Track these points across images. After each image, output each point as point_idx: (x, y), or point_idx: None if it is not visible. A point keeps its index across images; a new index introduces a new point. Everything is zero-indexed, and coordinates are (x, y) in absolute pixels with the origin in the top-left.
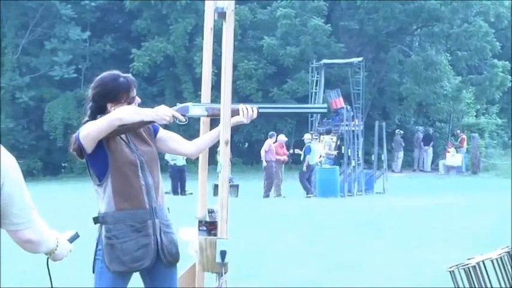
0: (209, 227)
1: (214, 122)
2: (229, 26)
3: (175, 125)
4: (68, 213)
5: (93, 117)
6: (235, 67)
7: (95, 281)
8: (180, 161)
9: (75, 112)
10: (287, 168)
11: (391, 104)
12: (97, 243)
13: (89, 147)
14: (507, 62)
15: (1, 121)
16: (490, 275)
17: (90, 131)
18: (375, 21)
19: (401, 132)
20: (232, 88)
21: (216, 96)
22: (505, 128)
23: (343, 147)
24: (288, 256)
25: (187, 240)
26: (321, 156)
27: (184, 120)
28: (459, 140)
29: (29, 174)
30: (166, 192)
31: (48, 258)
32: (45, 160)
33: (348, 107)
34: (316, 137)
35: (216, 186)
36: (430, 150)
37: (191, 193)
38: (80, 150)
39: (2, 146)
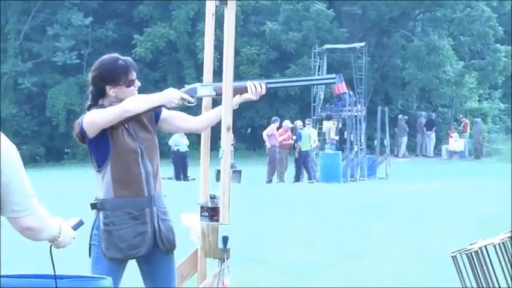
0: (211, 212)
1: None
2: (231, 11)
3: (181, 108)
4: (71, 199)
5: (95, 101)
6: (237, 52)
7: (91, 266)
8: (183, 147)
9: (77, 98)
10: (292, 154)
11: (393, 89)
12: (92, 228)
13: (91, 133)
14: (510, 47)
15: (4, 107)
16: (492, 260)
17: (96, 120)
18: (378, 6)
19: (405, 117)
20: (234, 73)
21: (218, 82)
22: (507, 113)
23: (345, 133)
24: (290, 241)
25: (190, 226)
26: (314, 142)
27: (194, 101)
28: (462, 124)
29: (32, 160)
30: (169, 178)
31: (51, 246)
32: (48, 146)
33: (351, 92)
34: (310, 123)
35: (218, 172)
36: (432, 135)
37: (193, 179)
38: (82, 135)
39: (1, 133)
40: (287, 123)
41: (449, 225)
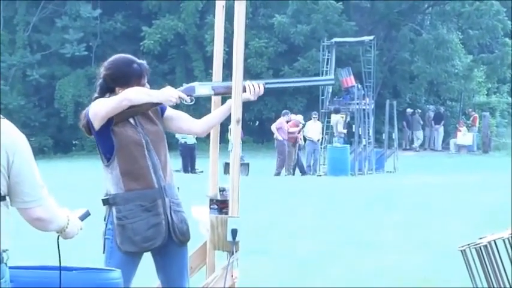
0: (220, 205)
1: (225, 100)
2: (241, 4)
3: (185, 104)
4: (79, 190)
5: (102, 94)
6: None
7: (105, 259)
8: (191, 139)
9: (85, 90)
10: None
11: (402, 82)
12: (106, 223)
13: (96, 124)
14: None
15: (13, 99)
16: (501, 254)
17: (98, 111)
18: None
19: (419, 111)
20: (243, 66)
21: (227, 75)
22: None
23: (353, 126)
24: (299, 233)
25: (199, 218)
26: (320, 135)
27: (190, 101)
28: (471, 118)
29: (40, 151)
30: (176, 171)
31: (58, 236)
32: (56, 138)
33: (359, 86)
34: (316, 116)
35: (226, 165)
36: (441, 129)
37: (201, 171)
38: (89, 127)
39: (12, 124)
40: (297, 117)
41: (457, 219)
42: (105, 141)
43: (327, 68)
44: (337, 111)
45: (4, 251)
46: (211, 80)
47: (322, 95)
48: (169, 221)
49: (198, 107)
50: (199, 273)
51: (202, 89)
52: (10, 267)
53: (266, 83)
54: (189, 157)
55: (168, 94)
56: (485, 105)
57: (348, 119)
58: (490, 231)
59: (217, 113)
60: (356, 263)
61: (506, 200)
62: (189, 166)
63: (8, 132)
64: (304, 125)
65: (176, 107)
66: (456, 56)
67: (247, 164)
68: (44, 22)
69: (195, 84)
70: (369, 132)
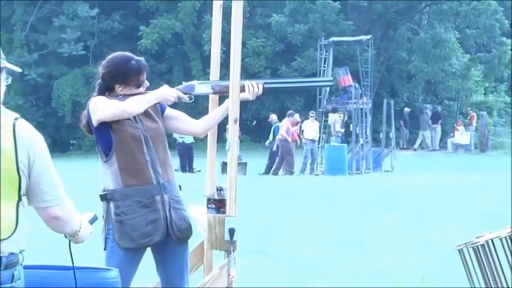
0: (218, 204)
1: (223, 98)
2: (239, 4)
3: (183, 102)
4: (77, 190)
5: (101, 94)
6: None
7: (106, 258)
8: (189, 139)
9: (83, 89)
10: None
11: (399, 82)
12: (106, 222)
13: (94, 121)
14: None
15: (10, 98)
16: (499, 253)
17: (96, 111)
18: None
19: (428, 111)
20: (240, 66)
21: (224, 74)
22: None
23: (351, 125)
24: (296, 233)
25: (196, 218)
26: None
27: (189, 99)
28: (469, 117)
29: None
30: (174, 170)
31: (70, 242)
32: (54, 137)
33: (357, 85)
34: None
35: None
36: (438, 128)
37: (199, 170)
38: (89, 126)
39: (30, 124)
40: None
41: (455, 218)
42: (104, 137)
43: (324, 67)
44: (334, 111)
45: (20, 252)
46: (208, 79)
47: (320, 95)
48: (167, 217)
49: (196, 106)
50: (197, 272)
51: (201, 87)
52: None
53: (265, 83)
54: (186, 156)
55: (166, 94)
56: (482, 104)
57: (346, 118)
58: (487, 231)
59: (215, 113)
60: (354, 263)
61: (504, 199)
62: (186, 165)
63: (28, 132)
64: (299, 123)
65: (174, 105)
66: (453, 55)
67: (245, 164)
68: (41, 21)
69: (194, 82)
70: (366, 132)
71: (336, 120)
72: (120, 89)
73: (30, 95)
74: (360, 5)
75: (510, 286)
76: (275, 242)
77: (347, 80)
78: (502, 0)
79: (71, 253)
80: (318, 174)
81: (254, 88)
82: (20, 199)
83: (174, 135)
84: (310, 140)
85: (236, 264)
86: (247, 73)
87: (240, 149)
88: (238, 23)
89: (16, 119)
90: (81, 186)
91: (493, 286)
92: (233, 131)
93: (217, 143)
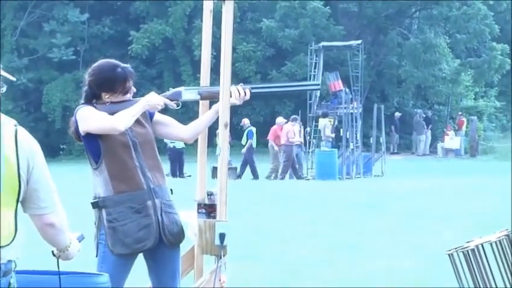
0: (208, 209)
1: (213, 104)
2: (229, 8)
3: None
4: (67, 195)
5: (88, 101)
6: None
7: (97, 264)
8: (179, 144)
9: (73, 94)
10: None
11: (389, 86)
12: (98, 228)
13: (82, 131)
14: (506, 45)
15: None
16: (489, 258)
17: (83, 123)
18: (374, 4)
19: (423, 115)
20: (231, 71)
21: (214, 79)
22: (503, 111)
23: (341, 130)
24: (287, 237)
25: (187, 222)
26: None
27: (176, 106)
28: (456, 122)
29: None
30: (165, 175)
31: (58, 258)
32: (44, 142)
33: (347, 90)
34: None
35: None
36: (428, 133)
37: (189, 175)
38: (78, 133)
39: (27, 131)
40: (280, 119)
41: (445, 223)
42: (92, 144)
43: (314, 72)
44: (325, 115)
45: (14, 260)
46: (199, 84)
47: (310, 99)
48: (159, 222)
49: (187, 111)
50: (187, 277)
51: (188, 94)
52: None
53: (252, 88)
54: (177, 161)
55: (153, 102)
56: (472, 109)
57: (336, 123)
58: (477, 235)
59: (203, 119)
60: (345, 267)
61: (494, 203)
62: (177, 170)
63: (27, 139)
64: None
65: (164, 110)
66: (444, 60)
67: (235, 168)
68: (31, 26)
69: (181, 89)
70: (356, 136)
71: (325, 125)
72: (106, 96)
73: (20, 100)
74: (351, 10)
75: None
76: (265, 246)
77: (337, 84)
78: (492, 6)
79: (58, 269)
80: (308, 179)
81: (241, 93)
82: (17, 206)
83: (165, 140)
84: (295, 144)
85: (226, 269)
86: (237, 78)
87: (230, 153)
88: (228, 27)
89: (16, 125)
90: (72, 192)
91: None
92: (223, 136)
93: (207, 148)
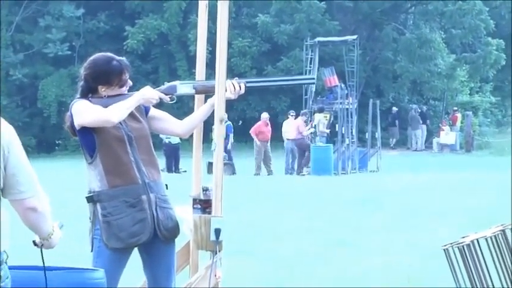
0: (203, 205)
1: (208, 98)
2: (224, 4)
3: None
4: (62, 190)
5: (84, 96)
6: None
7: (92, 259)
8: (175, 139)
9: (69, 89)
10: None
11: (385, 82)
12: (93, 223)
13: (77, 124)
14: (501, 40)
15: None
16: (484, 253)
17: (78, 116)
18: None
19: (419, 110)
20: (226, 66)
21: (210, 74)
22: (498, 106)
23: (337, 125)
24: (282, 233)
25: (182, 218)
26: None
27: (171, 100)
28: (450, 117)
29: None
30: (160, 170)
31: (41, 248)
32: (39, 137)
33: (342, 85)
34: (293, 115)
35: (210, 164)
36: (424, 128)
37: (185, 171)
38: (73, 128)
39: (1, 119)
40: (265, 115)
41: (441, 218)
42: (87, 139)
43: (310, 67)
44: (321, 111)
45: (4, 251)
46: (194, 80)
47: (306, 95)
48: (154, 216)
49: (182, 106)
50: (183, 272)
51: (183, 88)
52: None
53: (247, 82)
54: (173, 157)
55: (148, 96)
56: (468, 104)
57: (332, 118)
58: (473, 230)
59: (198, 113)
60: (340, 263)
61: (489, 199)
62: (172, 166)
63: (1, 125)
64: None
65: (159, 105)
66: (439, 55)
67: (231, 164)
68: (26, 22)
69: (176, 83)
70: (352, 132)
71: (320, 120)
72: (103, 89)
73: (15, 95)
74: (346, 5)
75: (495, 286)
76: (261, 242)
77: (333, 80)
78: (488, 1)
79: (43, 259)
80: (304, 175)
81: (236, 87)
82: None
83: (161, 135)
84: (291, 139)
85: (222, 265)
86: (233, 73)
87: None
88: (224, 23)
89: None
90: (67, 187)
91: (478, 286)
92: (219, 131)
93: (203, 143)
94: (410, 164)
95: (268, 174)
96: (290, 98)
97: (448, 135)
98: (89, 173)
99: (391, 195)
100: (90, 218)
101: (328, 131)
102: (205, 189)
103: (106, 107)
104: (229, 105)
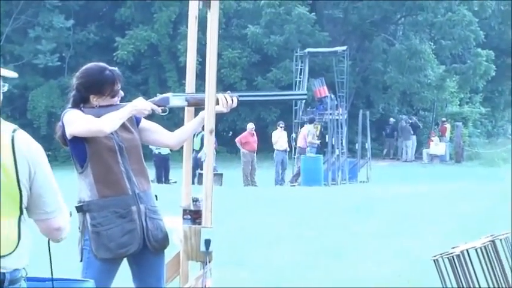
0: (193, 215)
1: (199, 110)
2: (214, 15)
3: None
4: None
5: (76, 105)
6: (219, 56)
7: (82, 269)
8: (164, 150)
9: (59, 100)
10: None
11: (375, 92)
12: (82, 233)
13: (68, 134)
14: (491, 51)
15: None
16: (474, 263)
17: (70, 126)
18: (359, 10)
19: (410, 120)
20: (216, 77)
21: (200, 85)
22: (488, 117)
23: (327, 136)
24: (272, 243)
25: (172, 228)
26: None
27: (163, 112)
28: (439, 128)
29: None
30: (150, 181)
31: (48, 242)
32: None
33: (332, 96)
34: (282, 126)
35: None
36: (414, 138)
37: (175, 182)
38: (64, 137)
39: (28, 135)
40: (251, 125)
41: (431, 228)
42: (78, 148)
43: (300, 78)
44: (311, 121)
45: (23, 267)
46: (184, 91)
47: (296, 106)
48: (144, 227)
49: (172, 117)
50: (173, 283)
51: (176, 100)
52: None
53: (240, 96)
54: (163, 167)
55: (140, 107)
56: (457, 115)
57: (321, 129)
58: (463, 240)
59: (189, 126)
60: (331, 272)
61: (479, 209)
62: (162, 176)
63: (27, 144)
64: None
65: (150, 116)
66: (429, 66)
67: (221, 175)
68: (16, 33)
69: (169, 95)
70: (342, 142)
71: (310, 130)
72: (95, 99)
73: (5, 106)
74: (336, 16)
75: None
76: (251, 252)
77: (323, 91)
78: (477, 12)
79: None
80: (294, 185)
81: (228, 101)
82: (21, 213)
83: (150, 146)
84: (281, 150)
85: (212, 275)
86: (223, 84)
87: (215, 160)
88: (213, 34)
89: (14, 130)
90: None
91: None
92: (209, 142)
93: (192, 153)
94: (400, 175)
95: (252, 185)
96: (280, 109)
97: (437, 146)
98: (79, 183)
99: (381, 205)
100: (79, 228)
101: (318, 141)
102: (195, 200)
103: (98, 117)
104: (220, 116)
